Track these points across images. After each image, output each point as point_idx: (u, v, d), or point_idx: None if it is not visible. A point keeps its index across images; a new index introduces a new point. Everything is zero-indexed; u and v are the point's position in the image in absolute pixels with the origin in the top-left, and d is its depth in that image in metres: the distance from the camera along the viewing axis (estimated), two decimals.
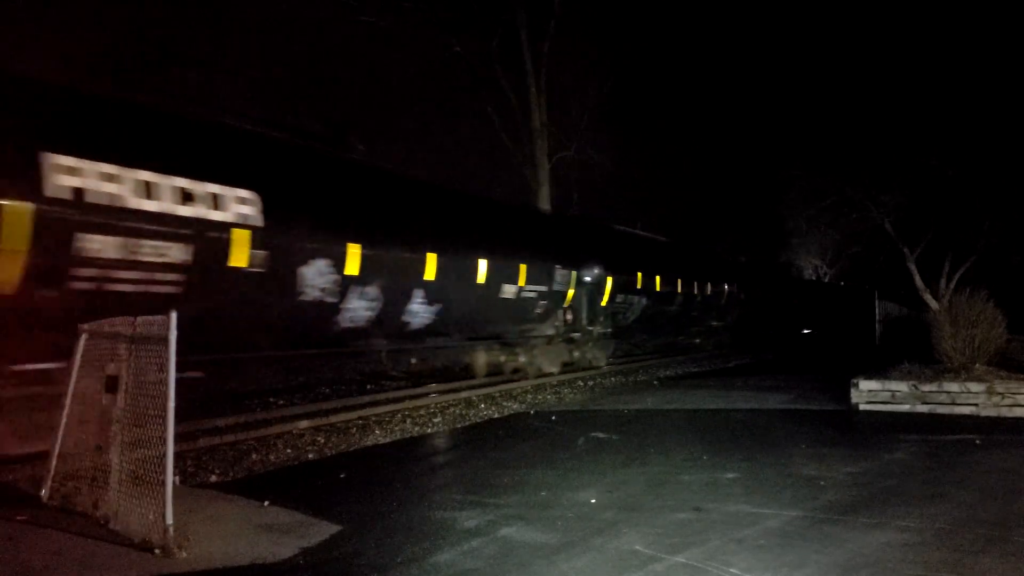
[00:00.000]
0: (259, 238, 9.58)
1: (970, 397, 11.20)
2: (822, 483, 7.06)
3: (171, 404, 5.31)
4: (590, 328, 19.08)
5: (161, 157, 8.82)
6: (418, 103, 27.05)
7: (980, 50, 17.51)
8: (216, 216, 9.18)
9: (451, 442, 10.06)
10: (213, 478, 7.82)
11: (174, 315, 5.43)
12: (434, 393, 14.54)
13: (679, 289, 23.74)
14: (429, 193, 14.68)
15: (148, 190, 8.50)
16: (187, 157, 9.23)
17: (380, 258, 11.59)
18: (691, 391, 14.95)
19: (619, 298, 20.10)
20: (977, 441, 9.13)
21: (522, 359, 17.16)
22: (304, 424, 10.79)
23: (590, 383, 17.22)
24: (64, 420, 6.48)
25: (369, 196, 12.37)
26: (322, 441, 9.89)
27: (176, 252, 8.74)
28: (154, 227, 8.51)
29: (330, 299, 10.83)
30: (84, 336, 6.56)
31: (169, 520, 5.22)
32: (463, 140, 28.59)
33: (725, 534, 5.54)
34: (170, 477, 5.25)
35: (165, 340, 5.42)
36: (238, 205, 9.44)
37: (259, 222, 9.62)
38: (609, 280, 19.39)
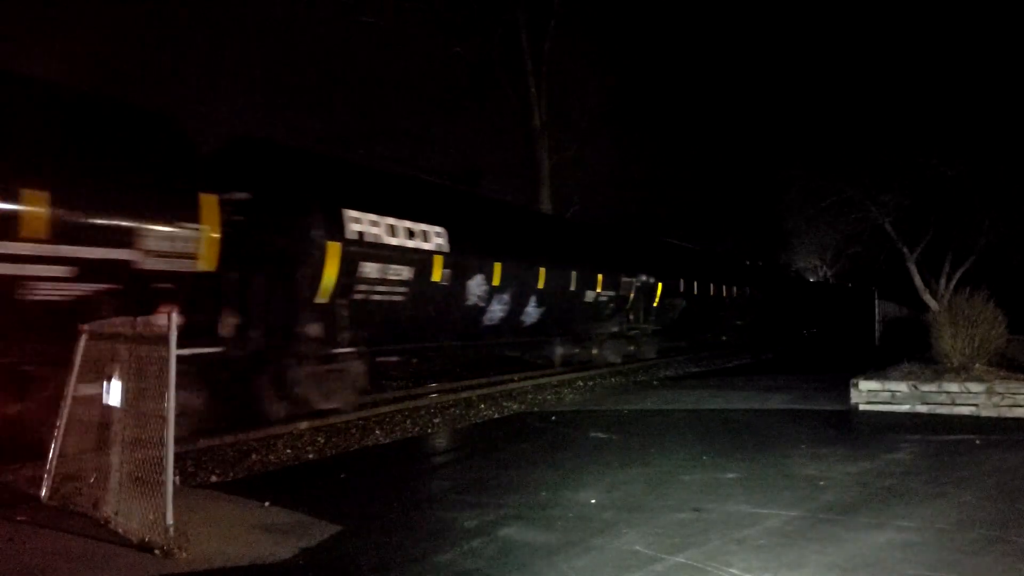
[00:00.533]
0: (446, 261, 13.06)
1: (970, 397, 11.19)
2: (822, 483, 7.06)
3: (171, 404, 5.31)
4: (645, 326, 21.98)
5: (395, 206, 12.36)
6: (418, 103, 27.05)
7: (980, 50, 17.49)
8: (426, 246, 12.73)
9: (451, 442, 10.06)
10: (213, 478, 7.82)
11: (174, 315, 5.43)
12: (434, 393, 14.56)
13: (711, 292, 26.73)
14: (538, 219, 20.07)
15: (392, 230, 12.07)
16: (408, 205, 12.80)
17: (512, 272, 14.99)
18: (691, 391, 14.94)
19: (666, 300, 22.94)
20: (977, 441, 9.13)
21: (593, 351, 20.14)
22: (304, 424, 10.79)
23: (590, 383, 17.22)
24: (64, 420, 6.49)
25: (504, 225, 16.48)
26: (322, 441, 9.90)
27: (405, 272, 12.20)
28: (396, 255, 12.02)
29: (481, 304, 14.31)
30: (84, 336, 6.56)
31: (169, 520, 5.23)
32: (463, 140, 28.60)
33: (725, 534, 5.54)
34: (170, 477, 5.25)
35: (165, 340, 5.42)
36: (436, 237, 13.00)
37: (447, 249, 13.12)
38: (660, 285, 22.51)
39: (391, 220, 12.01)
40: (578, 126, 27.52)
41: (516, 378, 17.08)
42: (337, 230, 10.97)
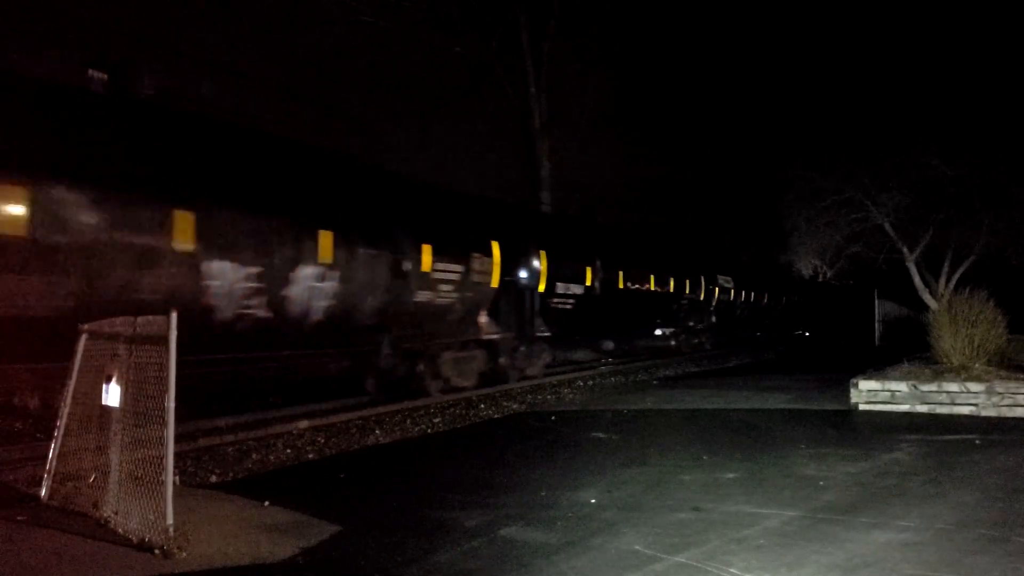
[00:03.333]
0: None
1: (970, 397, 11.19)
2: (822, 483, 7.06)
3: (171, 404, 5.31)
4: (710, 322, 27.86)
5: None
6: (418, 103, 27.06)
7: (980, 50, 17.49)
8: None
9: (451, 442, 10.06)
10: (213, 478, 7.82)
11: (174, 315, 5.43)
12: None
13: (750, 297, 31.78)
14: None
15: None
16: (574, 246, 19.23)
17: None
18: (691, 391, 14.95)
19: (720, 302, 28.31)
20: (977, 441, 9.13)
21: (672, 343, 25.69)
22: (304, 424, 10.79)
23: (590, 383, 17.22)
24: (64, 420, 6.49)
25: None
26: (322, 441, 9.90)
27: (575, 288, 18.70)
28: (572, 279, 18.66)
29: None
30: (84, 336, 6.56)
31: (169, 520, 5.22)
32: (463, 140, 28.60)
33: (725, 534, 5.54)
34: (170, 477, 5.25)
35: (165, 340, 5.42)
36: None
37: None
38: (716, 290, 27.90)
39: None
40: (578, 126, 27.52)
41: (516, 377, 17.10)
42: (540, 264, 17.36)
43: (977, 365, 12.33)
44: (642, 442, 9.34)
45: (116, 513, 5.68)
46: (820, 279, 44.16)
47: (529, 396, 14.69)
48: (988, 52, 17.39)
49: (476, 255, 14.96)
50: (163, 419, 5.33)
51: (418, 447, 9.80)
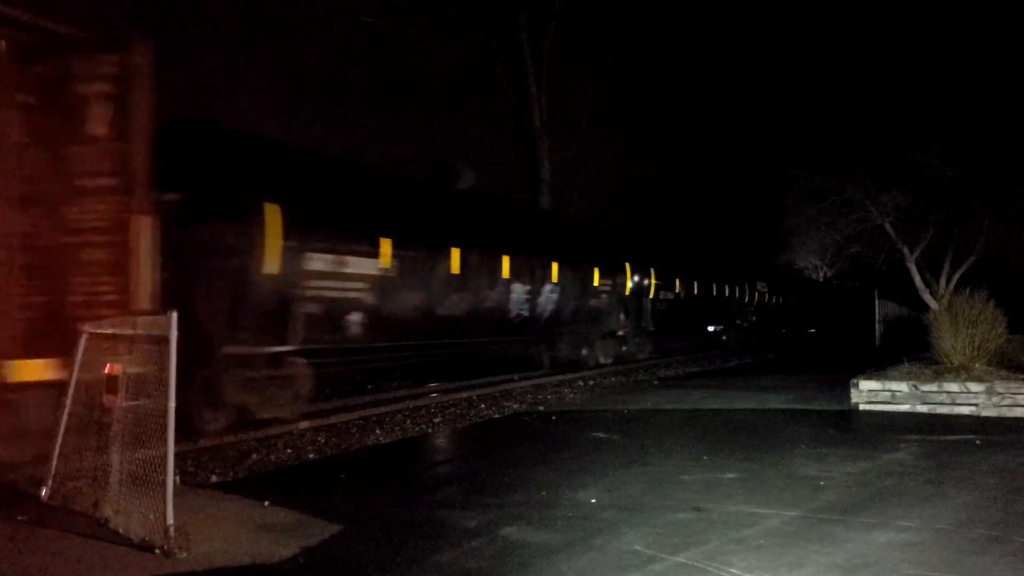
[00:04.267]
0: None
1: (970, 397, 11.19)
2: (822, 483, 7.06)
3: (171, 404, 5.31)
4: (751, 320, 32.20)
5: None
6: (417, 103, 27.06)
7: (981, 50, 17.49)
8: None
9: (451, 442, 10.06)
10: (214, 478, 7.82)
11: (174, 315, 5.44)
12: (435, 393, 14.56)
13: (777, 298, 35.36)
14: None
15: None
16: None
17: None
18: (691, 391, 14.95)
19: (758, 304, 32.71)
20: (977, 441, 9.13)
21: (724, 338, 29.70)
22: (304, 424, 10.79)
23: (590, 383, 17.22)
24: (64, 420, 6.49)
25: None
26: (322, 441, 9.90)
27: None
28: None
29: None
30: (84, 336, 6.56)
31: (170, 520, 5.23)
32: (463, 140, 28.60)
33: (725, 534, 5.54)
34: (171, 477, 5.25)
35: (166, 340, 5.42)
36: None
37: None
38: (756, 294, 32.37)
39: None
40: (578, 126, 27.52)
41: (516, 377, 17.13)
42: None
43: (977, 365, 12.33)
44: (642, 442, 9.34)
45: (116, 513, 5.69)
46: (821, 279, 44.23)
47: (529, 396, 14.69)
48: (988, 52, 17.39)
49: (618, 272, 20.17)
50: (164, 420, 5.33)
51: (418, 447, 9.80)
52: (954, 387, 11.36)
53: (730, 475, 7.46)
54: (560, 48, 26.37)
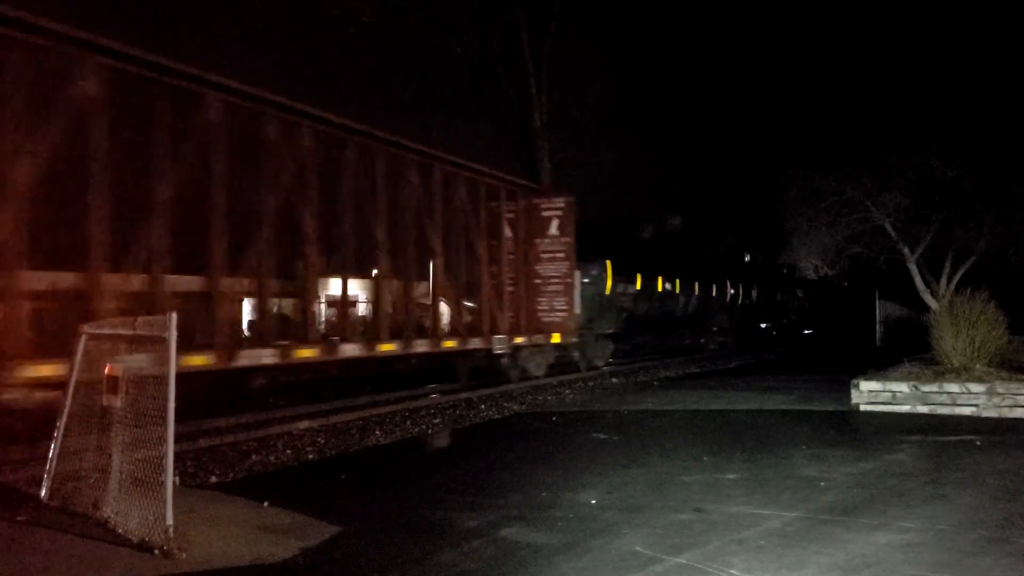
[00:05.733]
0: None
1: (971, 398, 11.18)
2: (823, 484, 7.05)
3: (171, 405, 5.30)
4: (791, 318, 38.94)
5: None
6: (417, 103, 27.04)
7: (981, 50, 17.48)
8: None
9: (451, 443, 10.05)
10: (213, 479, 7.82)
11: (173, 316, 5.43)
12: (434, 394, 14.54)
13: (795, 299, 40.10)
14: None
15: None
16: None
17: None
18: (692, 392, 14.94)
19: (789, 305, 38.83)
20: (978, 442, 9.12)
21: (774, 333, 35.55)
22: (304, 424, 10.78)
23: (590, 383, 17.22)
24: (64, 420, 6.48)
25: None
26: (322, 441, 9.89)
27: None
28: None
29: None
30: (84, 336, 6.55)
31: (169, 521, 5.22)
32: (463, 140, 28.57)
33: (725, 535, 5.54)
34: (170, 478, 5.25)
35: (165, 340, 5.41)
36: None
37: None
38: (789, 296, 38.73)
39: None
40: (578, 126, 27.48)
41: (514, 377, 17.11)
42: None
43: (978, 366, 12.32)
44: (643, 443, 9.33)
45: (116, 513, 5.68)
46: (821, 279, 44.25)
47: (529, 396, 14.68)
48: (988, 52, 17.37)
49: (728, 287, 29.99)
50: (163, 419, 5.32)
51: (418, 447, 9.79)
52: (955, 388, 11.35)
53: (731, 476, 7.46)
54: (560, 48, 26.35)
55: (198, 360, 8.93)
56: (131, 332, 5.93)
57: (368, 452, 9.33)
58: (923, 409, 11.34)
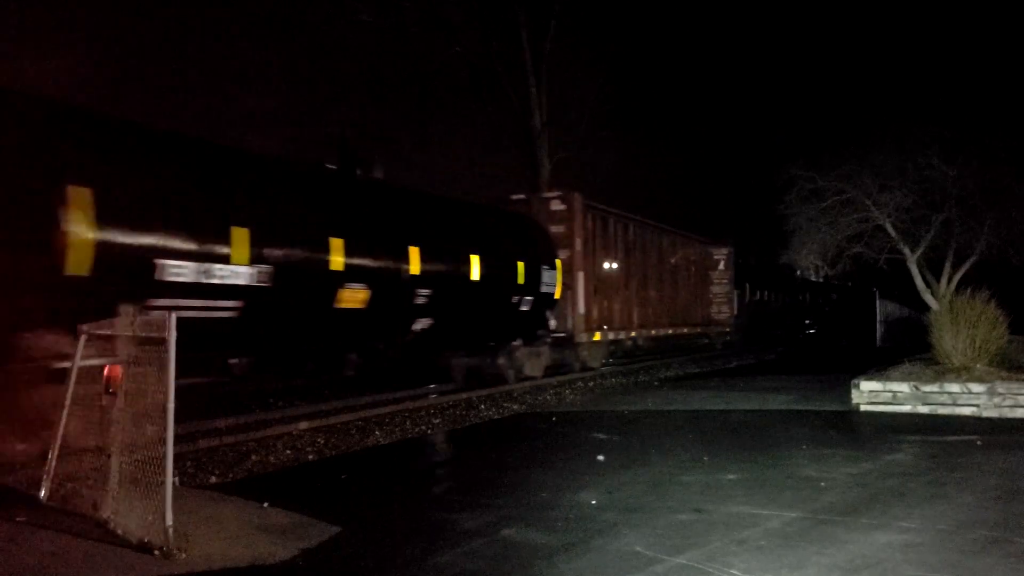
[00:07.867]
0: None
1: (971, 398, 11.17)
2: (823, 484, 7.04)
3: (171, 405, 5.30)
4: (814, 318, 41.53)
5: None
6: (417, 103, 27.03)
7: (982, 50, 17.49)
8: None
9: (451, 443, 10.05)
10: (213, 479, 7.81)
11: (173, 316, 5.42)
12: (434, 395, 14.54)
13: (807, 300, 42.17)
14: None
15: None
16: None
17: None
18: (692, 392, 14.93)
19: (809, 307, 41.29)
20: (978, 442, 9.11)
21: (778, 332, 35.75)
22: (304, 425, 10.78)
23: (590, 384, 17.21)
24: (63, 420, 6.47)
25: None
26: (322, 442, 9.88)
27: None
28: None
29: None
30: (84, 336, 6.54)
31: (168, 521, 5.21)
32: (463, 140, 28.58)
33: (726, 535, 5.53)
34: (170, 478, 5.24)
35: (164, 340, 5.41)
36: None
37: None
38: (811, 298, 41.76)
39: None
40: (578, 126, 27.48)
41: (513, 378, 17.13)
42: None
43: (978, 366, 12.31)
44: (643, 443, 9.33)
45: (115, 514, 5.67)
46: (821, 279, 44.25)
47: (529, 397, 14.67)
48: (989, 52, 17.38)
49: (793, 294, 34.36)
50: (163, 420, 5.31)
51: (418, 448, 9.79)
52: (955, 388, 11.33)
53: (731, 476, 7.45)
54: (560, 48, 26.36)
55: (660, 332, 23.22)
56: (131, 332, 5.92)
57: (368, 453, 9.32)
58: (924, 409, 11.33)
